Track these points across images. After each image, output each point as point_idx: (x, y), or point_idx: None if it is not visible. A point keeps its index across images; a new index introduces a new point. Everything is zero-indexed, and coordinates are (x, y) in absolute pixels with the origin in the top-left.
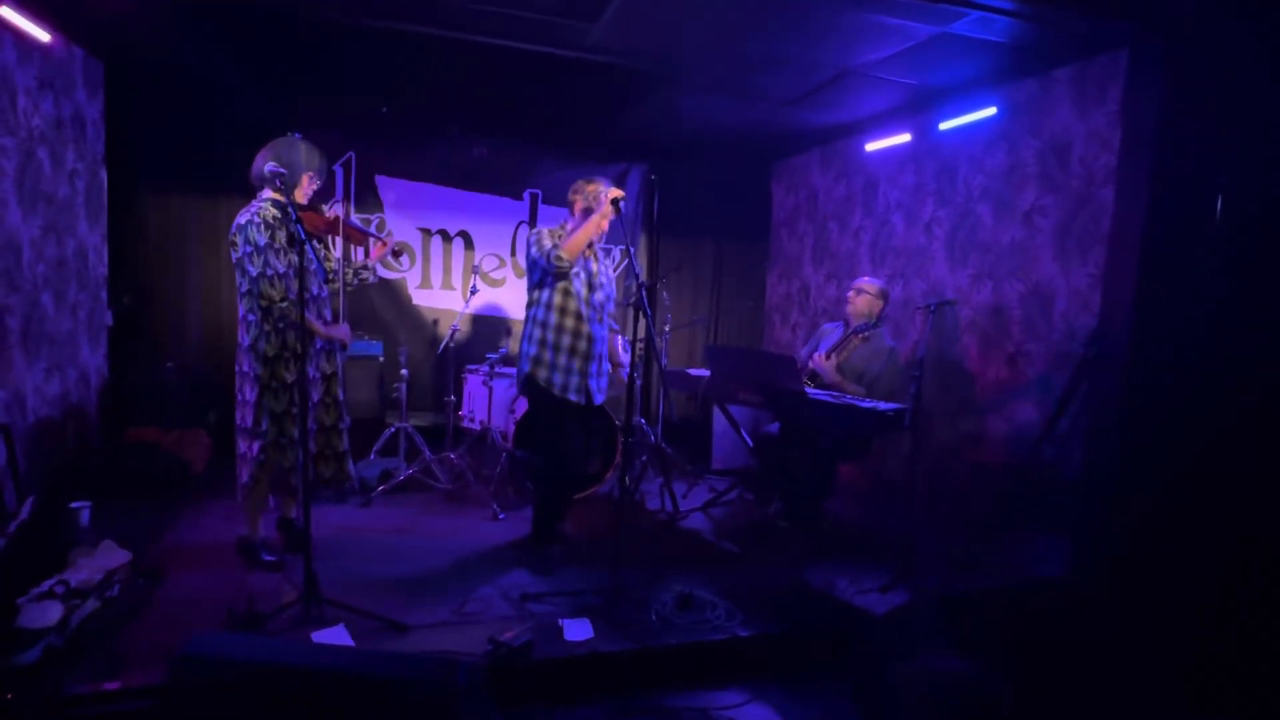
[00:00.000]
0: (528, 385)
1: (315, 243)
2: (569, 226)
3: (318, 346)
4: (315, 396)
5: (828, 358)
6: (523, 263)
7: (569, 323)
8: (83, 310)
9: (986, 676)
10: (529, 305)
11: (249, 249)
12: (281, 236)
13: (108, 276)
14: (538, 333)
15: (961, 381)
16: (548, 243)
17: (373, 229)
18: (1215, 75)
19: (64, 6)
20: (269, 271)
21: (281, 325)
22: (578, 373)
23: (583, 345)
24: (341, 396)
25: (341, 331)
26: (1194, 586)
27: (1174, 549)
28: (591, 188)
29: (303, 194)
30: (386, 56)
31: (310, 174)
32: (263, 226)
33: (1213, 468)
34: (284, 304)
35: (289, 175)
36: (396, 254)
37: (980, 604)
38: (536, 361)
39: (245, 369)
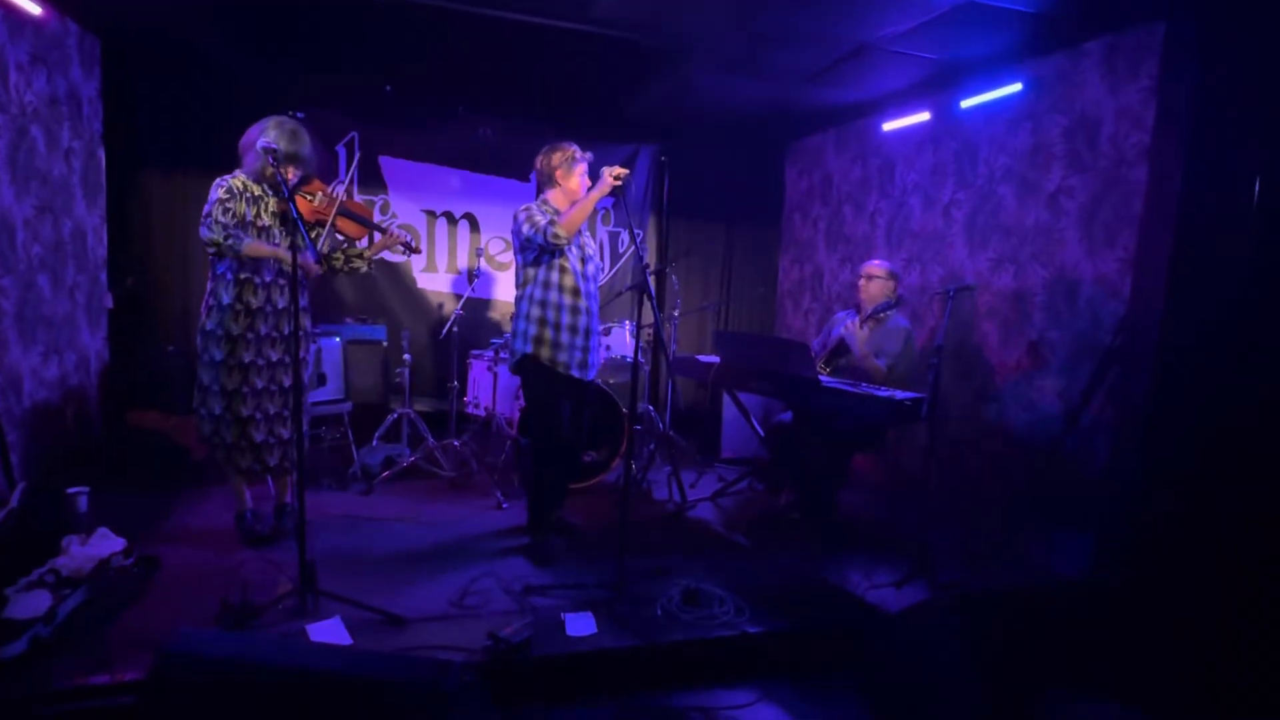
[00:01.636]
0: (525, 363)
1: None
2: (547, 196)
3: (262, 333)
4: (259, 384)
5: (861, 326)
6: (517, 242)
7: (567, 299)
8: (81, 292)
9: (1001, 677)
10: (522, 284)
11: (205, 209)
12: (247, 209)
13: (108, 258)
14: (536, 311)
15: (981, 370)
16: (541, 219)
17: (384, 218)
18: (1256, 51)
19: None
20: (208, 219)
21: (220, 298)
22: (580, 349)
23: (582, 321)
24: (289, 384)
25: (303, 265)
26: (1222, 586)
27: (1202, 547)
28: (560, 154)
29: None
30: (390, 31)
31: (285, 165)
32: (224, 189)
33: (1244, 464)
34: (225, 240)
35: (247, 155)
36: (411, 250)
37: (999, 601)
38: (538, 340)
39: (197, 340)
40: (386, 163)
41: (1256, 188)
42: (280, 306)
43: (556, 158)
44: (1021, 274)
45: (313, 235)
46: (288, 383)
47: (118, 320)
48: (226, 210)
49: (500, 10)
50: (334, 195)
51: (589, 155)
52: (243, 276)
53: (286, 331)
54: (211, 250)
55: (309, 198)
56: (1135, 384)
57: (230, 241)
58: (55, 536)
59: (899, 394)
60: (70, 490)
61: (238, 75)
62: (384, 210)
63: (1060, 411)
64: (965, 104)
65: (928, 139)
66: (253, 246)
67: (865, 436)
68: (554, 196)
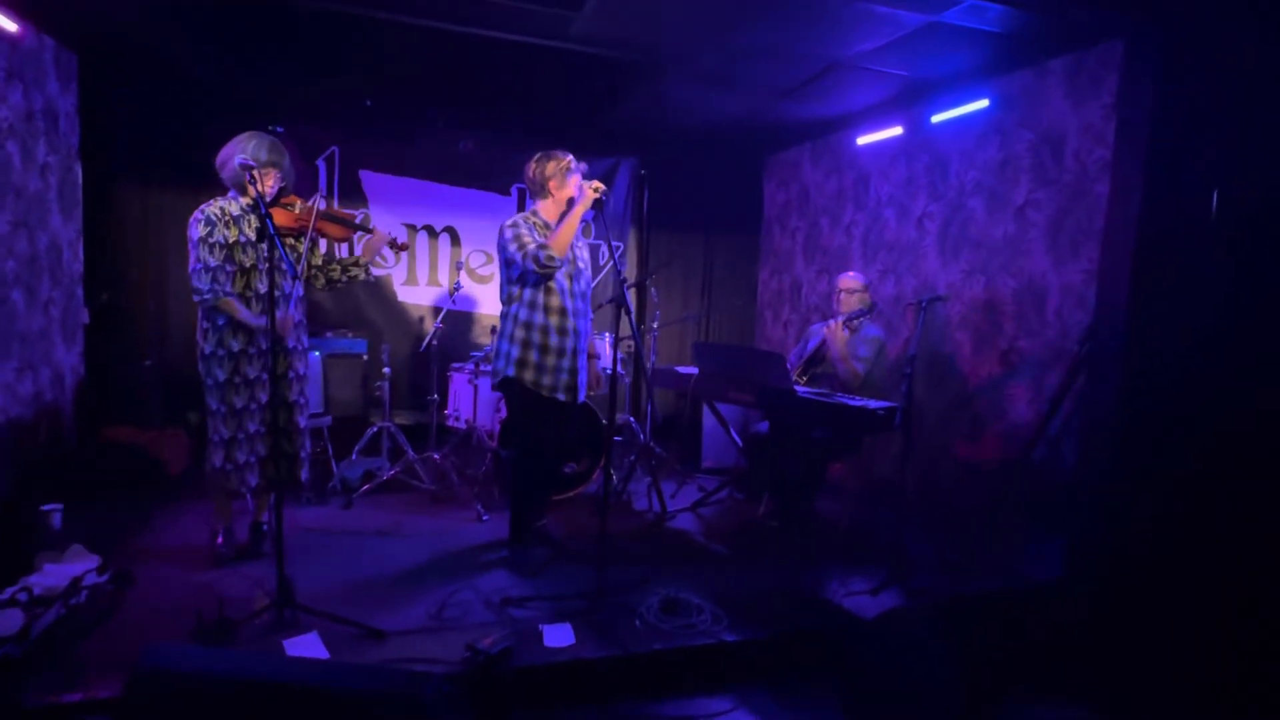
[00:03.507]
0: (508, 385)
1: (291, 240)
2: (538, 208)
3: (263, 347)
4: (264, 398)
5: (842, 327)
6: (502, 260)
7: (554, 320)
8: (56, 307)
9: (976, 682)
10: (507, 301)
11: (190, 249)
12: (226, 232)
13: (84, 273)
14: (520, 333)
15: (954, 379)
16: (531, 243)
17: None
18: (1212, 67)
19: None
20: (197, 265)
21: (215, 321)
22: (566, 370)
23: (569, 342)
24: (294, 398)
25: (279, 325)
26: (1189, 588)
27: (1169, 550)
28: (555, 163)
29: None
30: (369, 47)
31: (265, 171)
32: (203, 223)
33: (1209, 467)
34: (208, 295)
35: (226, 170)
36: (399, 247)
37: (973, 607)
38: (521, 364)
39: (199, 366)
40: (367, 177)
41: (1214, 200)
42: (280, 318)
43: (550, 167)
44: (992, 284)
45: (296, 243)
46: (291, 397)
47: (93, 335)
48: (211, 248)
49: (480, 28)
50: (311, 206)
51: (583, 165)
52: (233, 294)
53: (290, 345)
54: (196, 299)
55: (289, 207)
56: (1101, 391)
57: (209, 297)
58: (29, 554)
59: (872, 403)
60: (44, 507)
61: (216, 90)
62: (365, 224)
63: (1031, 418)
64: (936, 119)
65: (901, 152)
66: (228, 304)
67: (840, 445)
68: (545, 208)
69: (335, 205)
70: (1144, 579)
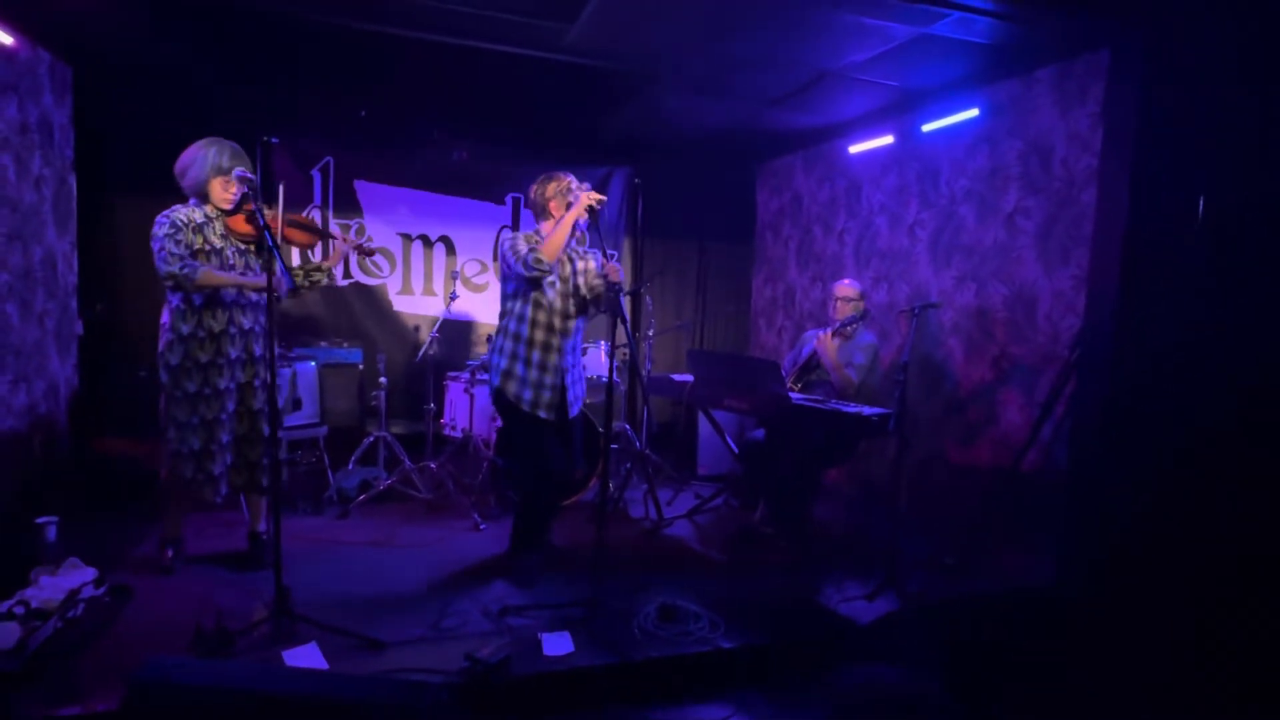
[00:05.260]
0: (498, 399)
1: (253, 246)
2: (540, 228)
3: (231, 357)
4: (230, 406)
5: (832, 337)
6: (503, 270)
7: (539, 335)
8: (51, 319)
9: (970, 687)
10: (502, 315)
11: (154, 245)
12: (191, 238)
13: (78, 284)
14: (508, 345)
15: (947, 385)
16: (523, 246)
17: (348, 232)
18: (1196, 74)
19: (29, 9)
20: (162, 253)
21: (180, 330)
22: (549, 388)
23: (553, 359)
24: (258, 406)
25: (258, 279)
26: (1182, 590)
27: (1160, 553)
28: (556, 184)
29: (220, 199)
30: (364, 59)
31: (223, 179)
32: (168, 225)
33: (1199, 469)
34: (186, 270)
35: (187, 178)
36: (365, 252)
37: (967, 611)
38: (506, 375)
39: (161, 377)
40: (362, 187)
41: (1200, 205)
42: (246, 328)
43: (551, 188)
44: (983, 291)
45: (259, 250)
46: (256, 405)
47: (87, 346)
48: (178, 242)
49: (475, 40)
50: (275, 213)
51: (586, 185)
52: (198, 303)
53: (258, 353)
54: (169, 283)
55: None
56: (1092, 395)
57: (185, 271)
58: (24, 568)
59: (866, 410)
60: (39, 520)
61: (211, 101)
62: (360, 234)
63: (1023, 423)
64: (926, 128)
65: (892, 161)
66: (208, 275)
67: (835, 451)
68: (547, 229)
69: (330, 216)
70: (1137, 581)
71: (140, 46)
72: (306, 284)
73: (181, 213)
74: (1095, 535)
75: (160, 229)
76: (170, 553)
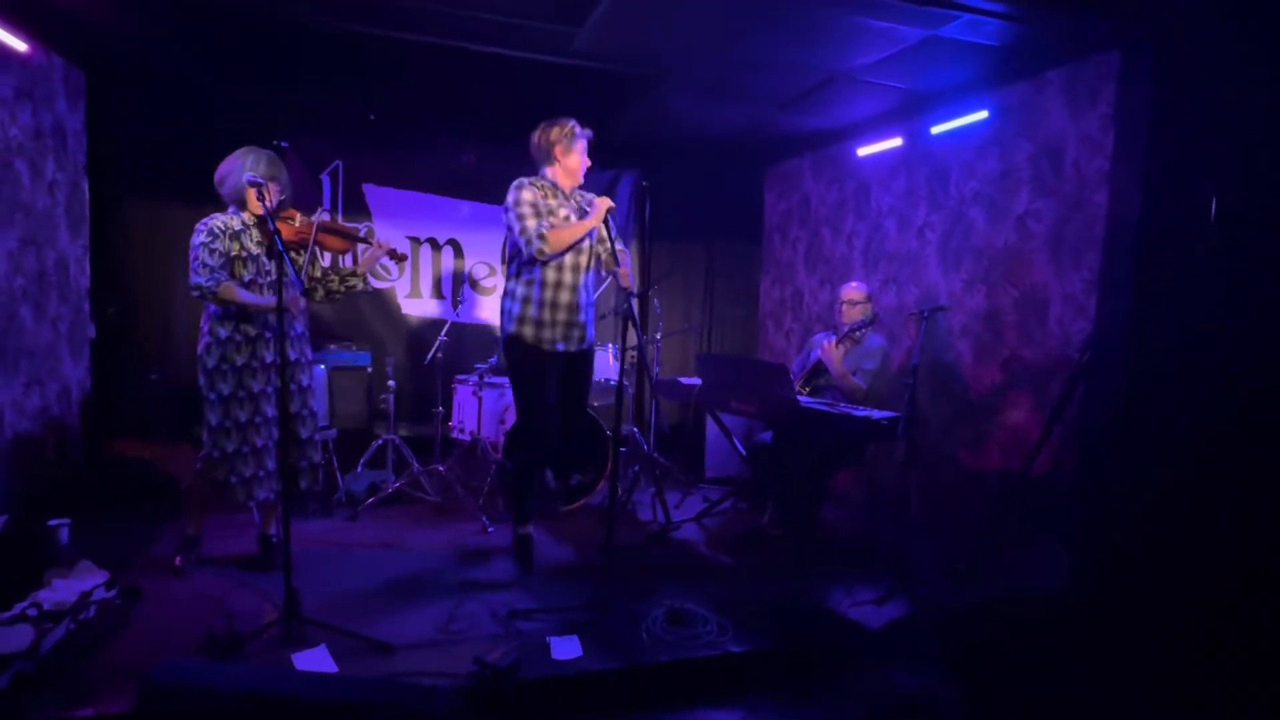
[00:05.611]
0: (510, 343)
1: (292, 253)
2: (545, 172)
3: (266, 361)
4: (269, 411)
5: (836, 345)
6: (507, 219)
7: (549, 274)
8: (64, 323)
9: (982, 693)
10: (510, 259)
11: (191, 253)
12: (229, 245)
13: (91, 288)
14: (522, 289)
15: (957, 388)
16: (532, 225)
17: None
18: (1208, 75)
19: (43, 16)
20: (195, 263)
21: (219, 334)
22: (563, 323)
23: (565, 296)
24: (295, 410)
25: (290, 303)
26: (1195, 595)
27: (1173, 557)
28: (559, 129)
29: (256, 207)
30: (372, 63)
31: (267, 186)
32: (206, 233)
33: (1212, 474)
34: (209, 284)
35: (225, 186)
36: (397, 257)
37: (979, 616)
38: (522, 320)
39: (199, 379)
40: (370, 190)
41: (1213, 207)
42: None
43: (554, 133)
44: (993, 294)
45: (297, 256)
46: (294, 409)
47: (100, 349)
48: (213, 252)
49: (482, 44)
50: (311, 220)
51: (588, 132)
52: (234, 307)
53: (293, 357)
54: (194, 293)
55: (289, 221)
56: (1103, 399)
57: (209, 284)
58: (37, 570)
59: (876, 413)
60: (52, 522)
61: (221, 106)
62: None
63: (1033, 427)
64: (935, 130)
65: (901, 163)
66: (227, 289)
67: (844, 455)
68: (554, 173)
69: (339, 218)
70: (1150, 585)
71: (152, 52)
72: (341, 290)
73: (219, 220)
74: (1107, 539)
75: (198, 237)
76: (179, 560)
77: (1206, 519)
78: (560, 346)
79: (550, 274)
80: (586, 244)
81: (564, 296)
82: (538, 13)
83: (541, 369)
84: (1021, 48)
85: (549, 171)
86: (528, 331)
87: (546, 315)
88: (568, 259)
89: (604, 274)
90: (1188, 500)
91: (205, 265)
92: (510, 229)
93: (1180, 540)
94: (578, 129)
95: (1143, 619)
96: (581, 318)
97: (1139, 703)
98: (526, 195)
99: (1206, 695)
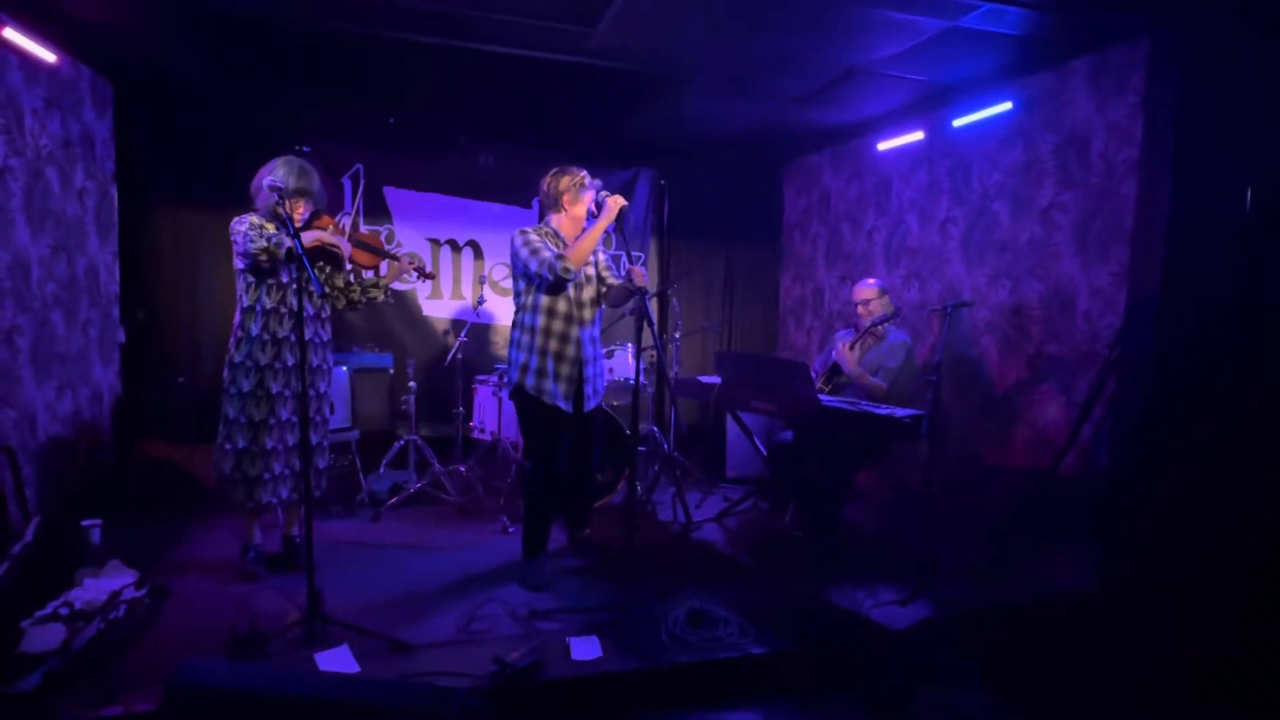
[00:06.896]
0: (518, 394)
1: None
2: (549, 220)
3: (289, 364)
4: (284, 414)
5: (851, 348)
6: (516, 268)
7: (556, 325)
8: (94, 328)
9: (1010, 695)
10: (518, 310)
11: (236, 239)
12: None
13: (120, 293)
14: (526, 338)
15: (981, 385)
16: (547, 253)
17: (390, 247)
18: (1239, 64)
19: (70, 28)
20: (246, 239)
21: (250, 330)
22: (569, 379)
23: (570, 350)
24: (310, 415)
25: (342, 245)
26: (1227, 596)
27: (1204, 557)
28: (569, 178)
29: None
30: (392, 67)
31: (290, 199)
32: (246, 224)
33: (1244, 472)
34: (273, 242)
35: (260, 197)
36: (426, 276)
37: (1005, 618)
38: (526, 370)
39: (224, 373)
40: (391, 193)
41: (1248, 197)
42: (307, 338)
43: (565, 181)
44: (1018, 289)
45: (324, 266)
46: (310, 413)
47: (128, 353)
48: (260, 234)
49: (500, 46)
50: (342, 228)
51: (598, 182)
52: (269, 306)
53: (314, 363)
54: (265, 259)
55: (320, 231)
56: (1133, 395)
57: (275, 242)
58: (69, 569)
59: (899, 411)
60: (84, 523)
61: (244, 111)
62: (389, 240)
63: (1061, 424)
64: (957, 123)
65: (922, 157)
66: (280, 242)
67: (866, 454)
68: (558, 221)
69: (361, 223)
70: (1179, 586)
71: (177, 62)
72: (363, 300)
73: (256, 218)
74: (1138, 539)
75: (240, 225)
76: (251, 555)
77: (1241, 517)
78: (563, 404)
79: (557, 324)
80: (588, 283)
81: (570, 349)
82: (553, 14)
83: (547, 420)
84: (1044, 37)
85: (554, 220)
86: (531, 382)
87: (551, 366)
88: (571, 309)
89: (606, 305)
90: (1222, 499)
91: (259, 236)
92: (526, 268)
93: (1214, 539)
94: (588, 179)
95: (1176, 619)
96: (588, 372)
97: (1169, 704)
98: (532, 235)
99: (1240, 693)
